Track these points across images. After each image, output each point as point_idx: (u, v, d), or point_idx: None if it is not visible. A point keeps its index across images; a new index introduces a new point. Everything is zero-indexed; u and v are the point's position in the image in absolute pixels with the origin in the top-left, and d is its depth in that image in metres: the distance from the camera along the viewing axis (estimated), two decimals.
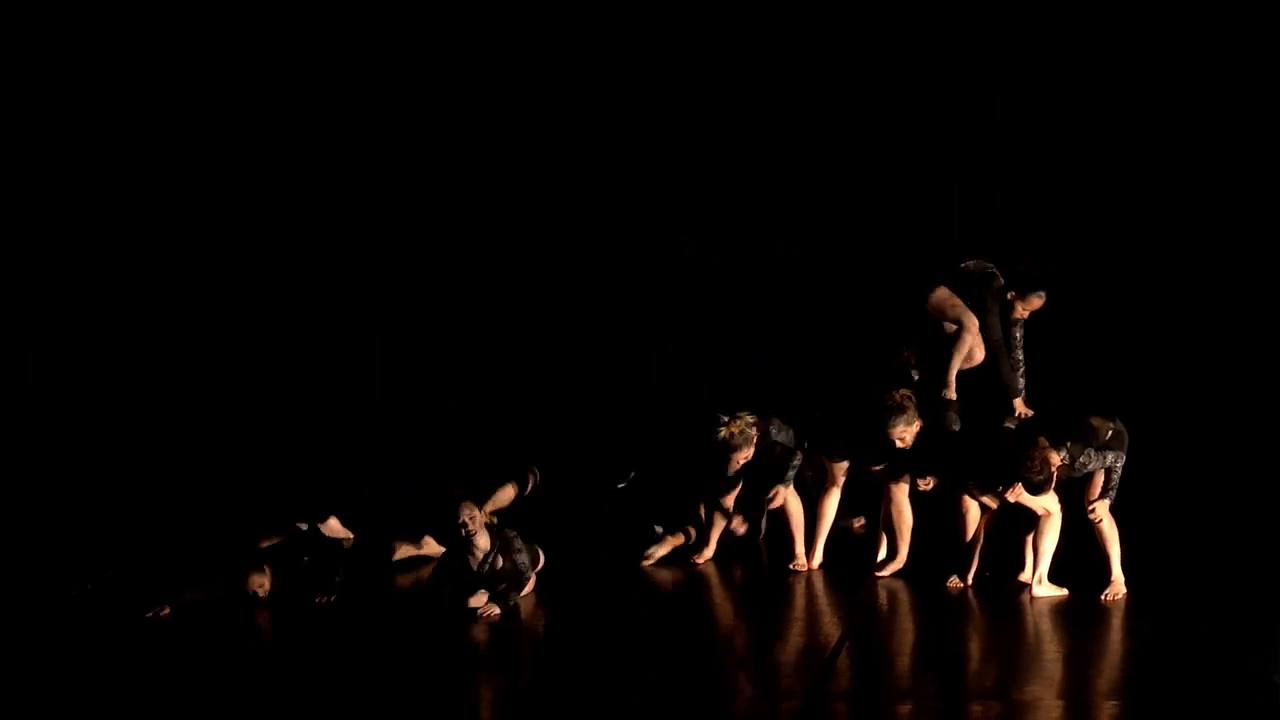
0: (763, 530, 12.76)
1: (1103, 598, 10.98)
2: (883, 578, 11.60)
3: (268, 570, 11.31)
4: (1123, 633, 10.49)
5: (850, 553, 12.11)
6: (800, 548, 12.07)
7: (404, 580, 11.92)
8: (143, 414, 15.83)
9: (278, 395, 16.08)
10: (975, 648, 10.42)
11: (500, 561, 10.94)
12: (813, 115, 16.23)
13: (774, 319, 16.29)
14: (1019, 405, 12.20)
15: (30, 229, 16.26)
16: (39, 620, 10.93)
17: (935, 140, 16.06)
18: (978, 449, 11.22)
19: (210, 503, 13.63)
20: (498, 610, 10.74)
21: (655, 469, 14.12)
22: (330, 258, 16.58)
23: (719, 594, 11.83)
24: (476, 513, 11.06)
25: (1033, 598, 11.11)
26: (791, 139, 16.30)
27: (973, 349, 12.11)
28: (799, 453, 12.12)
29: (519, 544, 11.00)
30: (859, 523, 12.85)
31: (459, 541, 10.99)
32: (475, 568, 10.92)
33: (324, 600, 11.21)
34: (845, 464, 11.90)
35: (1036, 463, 10.76)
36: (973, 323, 11.58)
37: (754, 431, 11.98)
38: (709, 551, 12.36)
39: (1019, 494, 10.96)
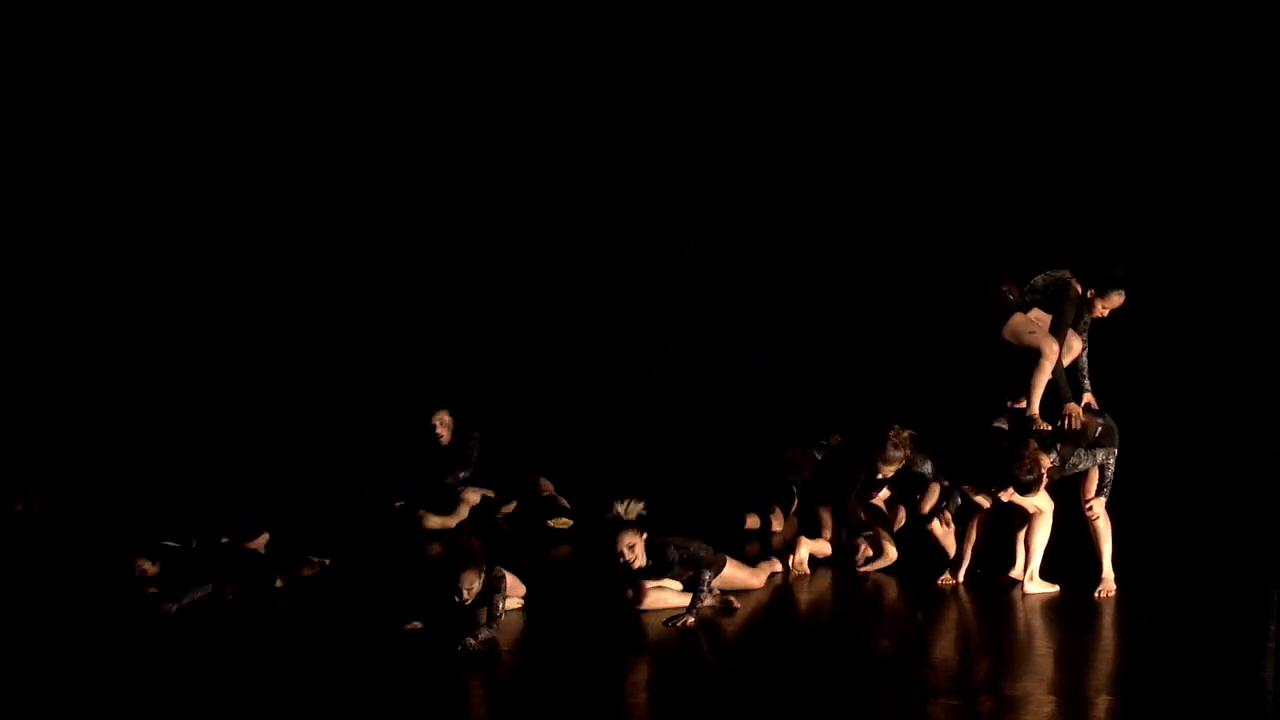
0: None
1: (1095, 595, 10.99)
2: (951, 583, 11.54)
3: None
4: (1114, 629, 10.48)
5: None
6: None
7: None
8: (142, 414, 15.84)
9: (277, 396, 16.10)
10: (967, 643, 10.41)
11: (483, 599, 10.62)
12: (813, 116, 16.24)
13: (774, 319, 16.30)
14: (1072, 406, 11.83)
15: (30, 229, 16.26)
16: (38, 621, 10.94)
17: (935, 140, 16.07)
18: (970, 449, 11.23)
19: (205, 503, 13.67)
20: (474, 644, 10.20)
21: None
22: (330, 258, 16.61)
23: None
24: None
25: (1024, 594, 11.14)
26: (791, 139, 16.31)
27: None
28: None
29: (504, 585, 10.58)
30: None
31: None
32: (462, 600, 10.58)
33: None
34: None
35: (1027, 463, 10.78)
36: (1052, 349, 11.28)
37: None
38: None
39: (1011, 494, 10.97)
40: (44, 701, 9.33)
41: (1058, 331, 11.28)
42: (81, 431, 15.61)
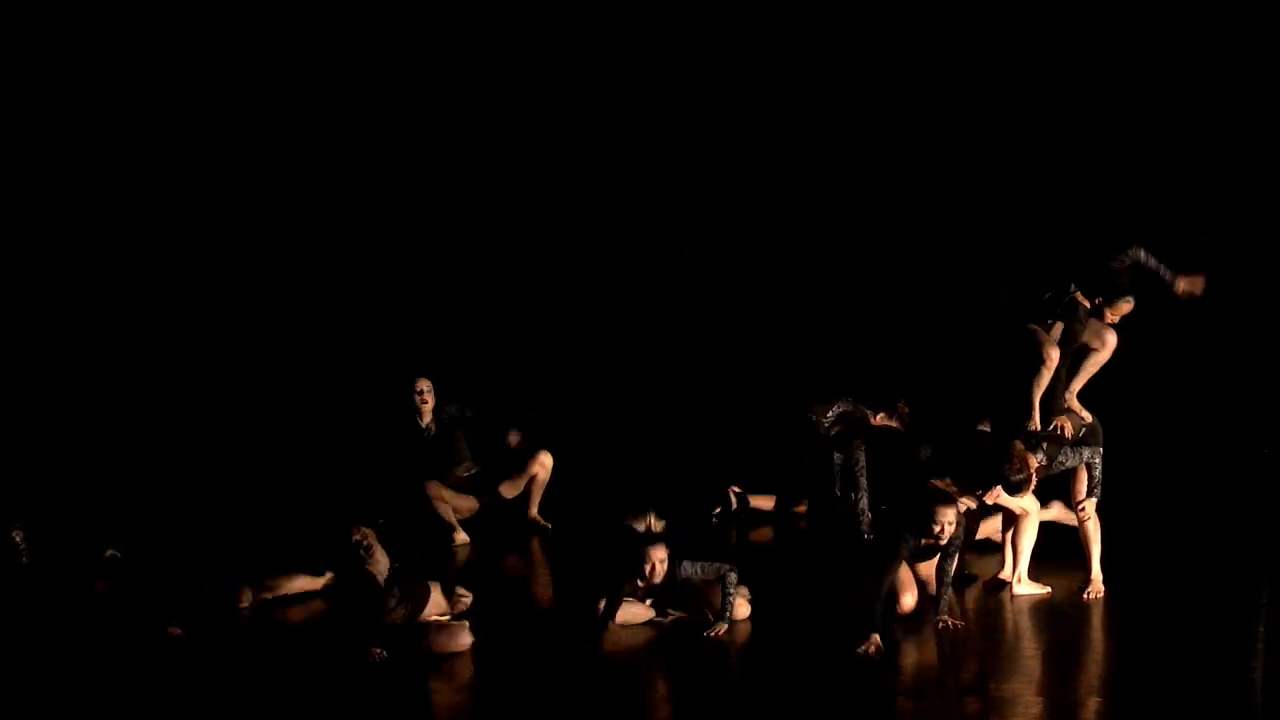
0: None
1: (1083, 596, 11.00)
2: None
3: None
4: (1103, 630, 10.50)
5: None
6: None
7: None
8: (141, 414, 15.87)
9: (276, 396, 16.13)
10: (955, 644, 10.41)
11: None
12: (812, 116, 16.25)
13: (774, 319, 16.31)
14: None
15: (30, 230, 16.28)
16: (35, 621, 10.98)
17: (935, 140, 16.08)
18: (957, 451, 11.23)
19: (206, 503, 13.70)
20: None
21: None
22: (330, 259, 16.58)
23: None
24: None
25: (1013, 596, 11.15)
26: (791, 140, 16.32)
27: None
28: None
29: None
30: None
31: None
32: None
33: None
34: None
35: (1016, 463, 10.79)
36: (1052, 360, 11.30)
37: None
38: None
39: (998, 495, 10.99)
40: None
41: (1066, 346, 11.28)
42: (81, 432, 15.62)
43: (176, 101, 16.28)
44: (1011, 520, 11.19)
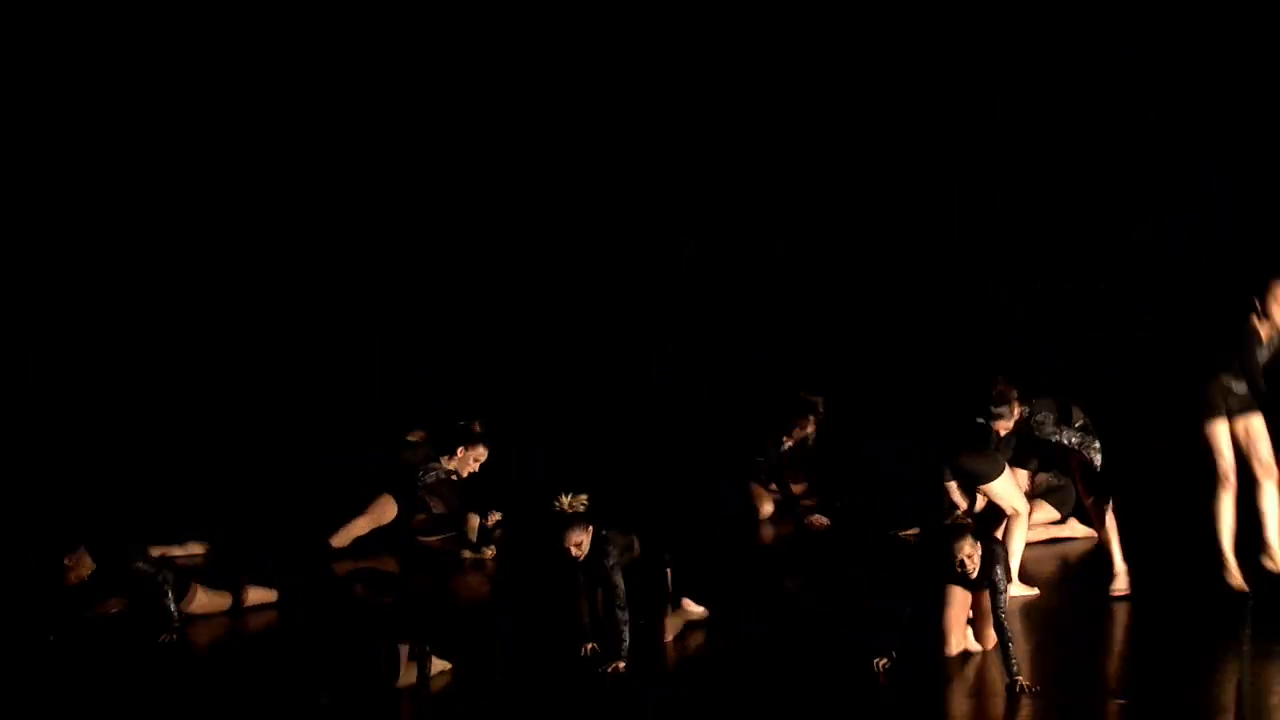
0: None
1: (1110, 591, 10.98)
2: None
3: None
4: (1089, 631, 10.53)
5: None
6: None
7: None
8: (139, 414, 15.93)
9: (274, 396, 16.19)
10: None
11: None
12: (812, 116, 16.30)
13: (774, 319, 16.35)
14: None
15: (29, 230, 16.34)
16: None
17: (934, 140, 16.12)
18: (950, 448, 11.25)
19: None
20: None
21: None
22: (330, 260, 16.66)
23: None
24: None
25: None
26: (791, 140, 16.36)
27: None
28: None
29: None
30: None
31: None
32: None
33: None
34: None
35: (998, 395, 10.84)
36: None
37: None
38: None
39: (990, 492, 11.04)
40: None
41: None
42: (80, 431, 15.68)
43: (172, 101, 16.37)
44: (1002, 519, 11.20)
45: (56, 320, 16.15)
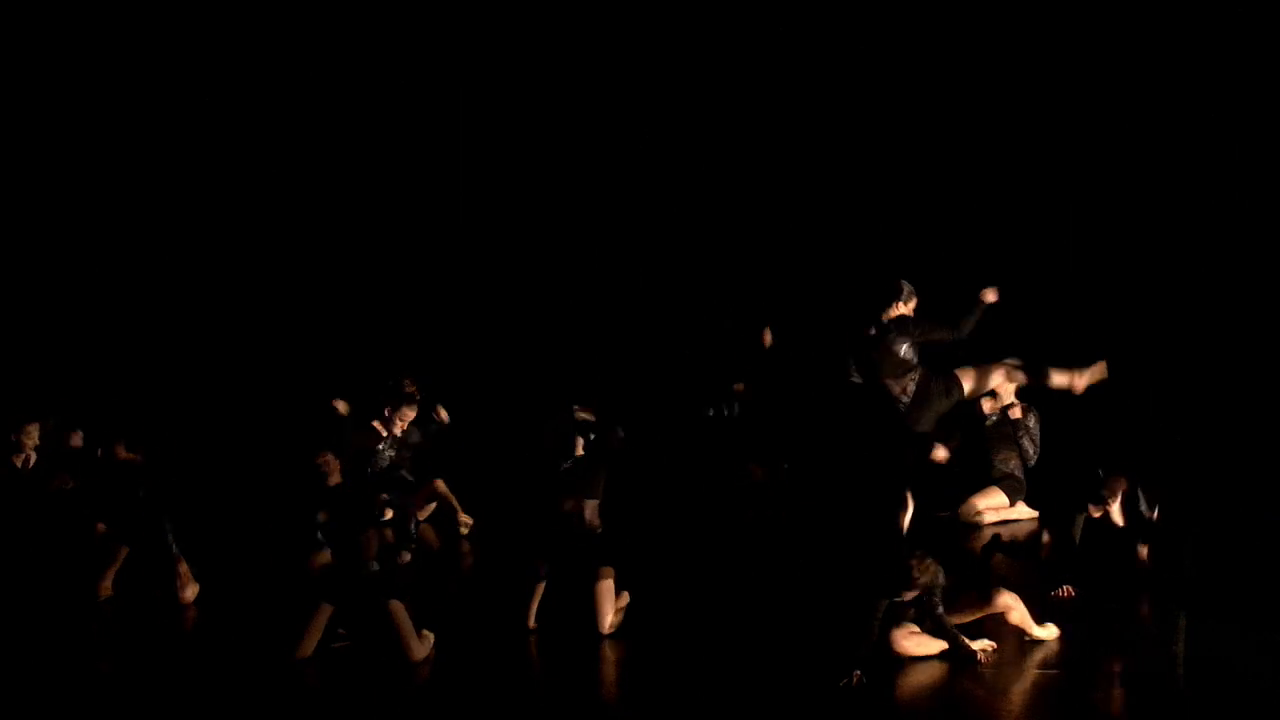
0: None
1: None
2: None
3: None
4: (1039, 607, 10.79)
5: None
6: None
7: None
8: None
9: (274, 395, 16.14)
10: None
11: None
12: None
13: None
14: None
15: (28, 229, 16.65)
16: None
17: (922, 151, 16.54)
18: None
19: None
20: None
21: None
22: (330, 260, 17.00)
23: None
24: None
25: None
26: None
27: None
28: None
29: None
30: None
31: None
32: None
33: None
34: None
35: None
36: None
37: None
38: None
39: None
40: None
41: None
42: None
43: (171, 104, 16.69)
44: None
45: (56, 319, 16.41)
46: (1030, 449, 13.34)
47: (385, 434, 13.46)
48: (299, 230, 16.93)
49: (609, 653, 10.27)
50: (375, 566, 9.97)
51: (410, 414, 13.52)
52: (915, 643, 9.93)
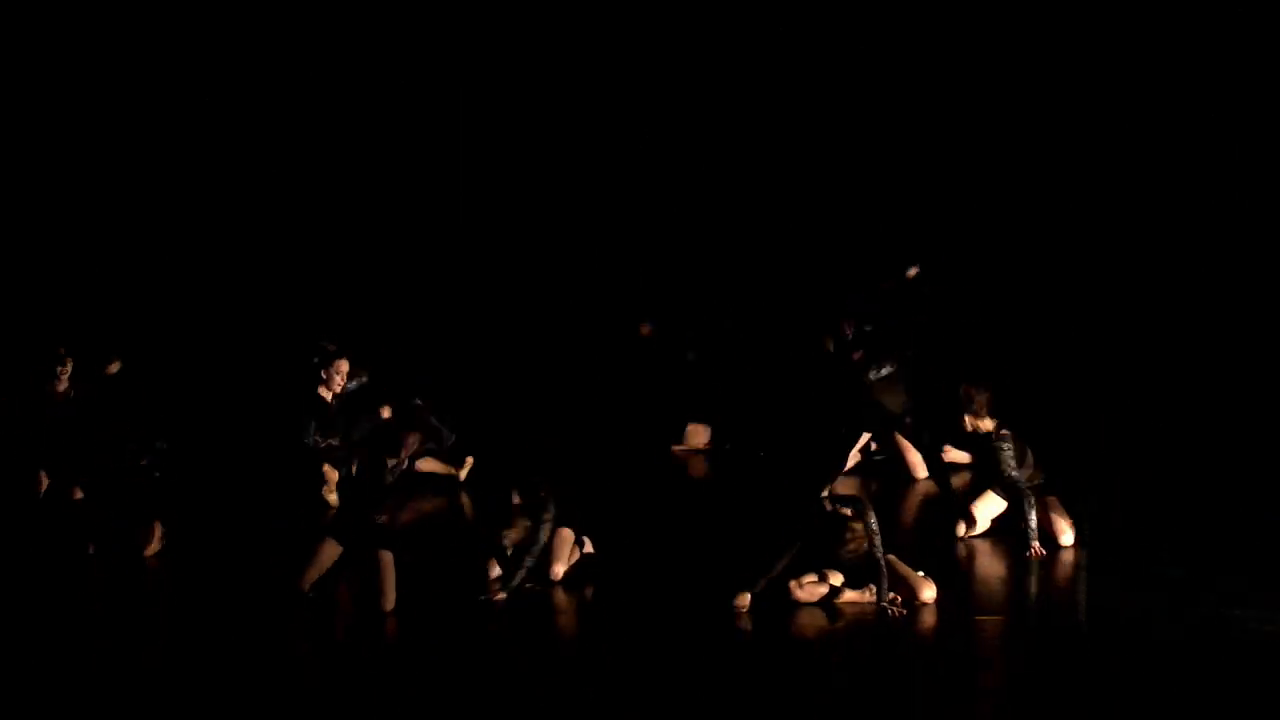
0: None
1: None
2: None
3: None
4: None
5: None
6: None
7: None
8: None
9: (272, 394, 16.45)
10: None
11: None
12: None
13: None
14: None
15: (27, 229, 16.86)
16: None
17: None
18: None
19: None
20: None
21: None
22: (330, 261, 17.17)
23: None
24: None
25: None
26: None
27: None
28: None
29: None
30: None
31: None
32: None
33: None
34: None
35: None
36: None
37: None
38: None
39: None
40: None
41: None
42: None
43: (168, 106, 16.89)
44: None
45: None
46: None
47: (330, 395, 13.60)
48: (299, 230, 17.13)
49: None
50: (383, 518, 10.38)
51: (344, 365, 13.68)
52: (808, 593, 10.14)
